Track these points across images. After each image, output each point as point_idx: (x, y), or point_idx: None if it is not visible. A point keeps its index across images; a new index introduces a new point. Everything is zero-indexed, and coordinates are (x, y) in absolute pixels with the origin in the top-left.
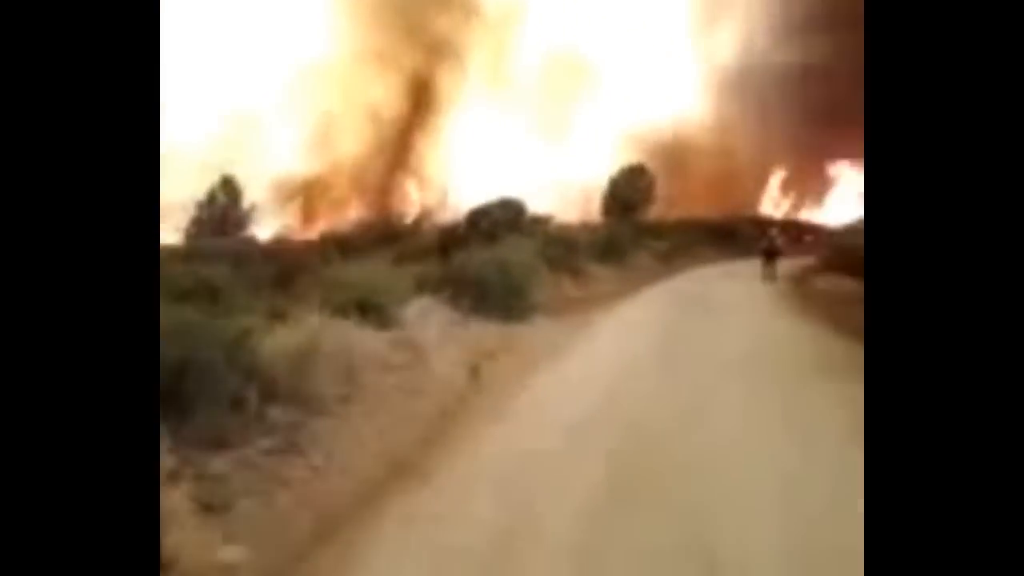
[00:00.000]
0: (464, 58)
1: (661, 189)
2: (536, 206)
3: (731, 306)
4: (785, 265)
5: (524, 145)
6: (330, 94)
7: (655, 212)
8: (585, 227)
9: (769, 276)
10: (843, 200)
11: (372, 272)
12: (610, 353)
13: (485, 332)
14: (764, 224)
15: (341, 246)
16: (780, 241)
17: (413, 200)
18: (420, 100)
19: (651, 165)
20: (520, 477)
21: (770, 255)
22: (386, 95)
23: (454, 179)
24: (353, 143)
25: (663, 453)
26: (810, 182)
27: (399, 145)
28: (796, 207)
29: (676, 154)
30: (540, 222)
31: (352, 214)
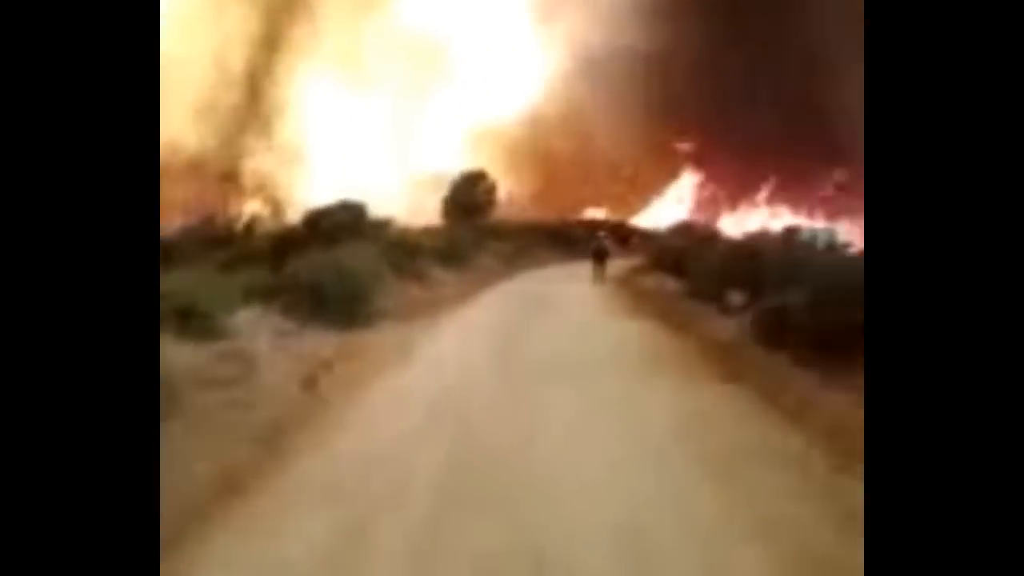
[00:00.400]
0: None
1: (515, 188)
2: (388, 206)
3: (566, 306)
4: (615, 266)
5: (376, 142)
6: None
7: (499, 213)
8: (427, 231)
9: (599, 277)
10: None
11: (195, 280)
12: (450, 357)
13: (322, 341)
14: (594, 227)
15: (163, 252)
16: (608, 243)
17: (245, 201)
18: (257, 89)
19: (502, 161)
20: (354, 487)
21: (599, 257)
22: (222, 80)
23: (296, 178)
24: (180, 135)
25: (498, 457)
26: (654, 181)
27: (233, 138)
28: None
29: (524, 150)
30: (382, 225)
31: (175, 216)
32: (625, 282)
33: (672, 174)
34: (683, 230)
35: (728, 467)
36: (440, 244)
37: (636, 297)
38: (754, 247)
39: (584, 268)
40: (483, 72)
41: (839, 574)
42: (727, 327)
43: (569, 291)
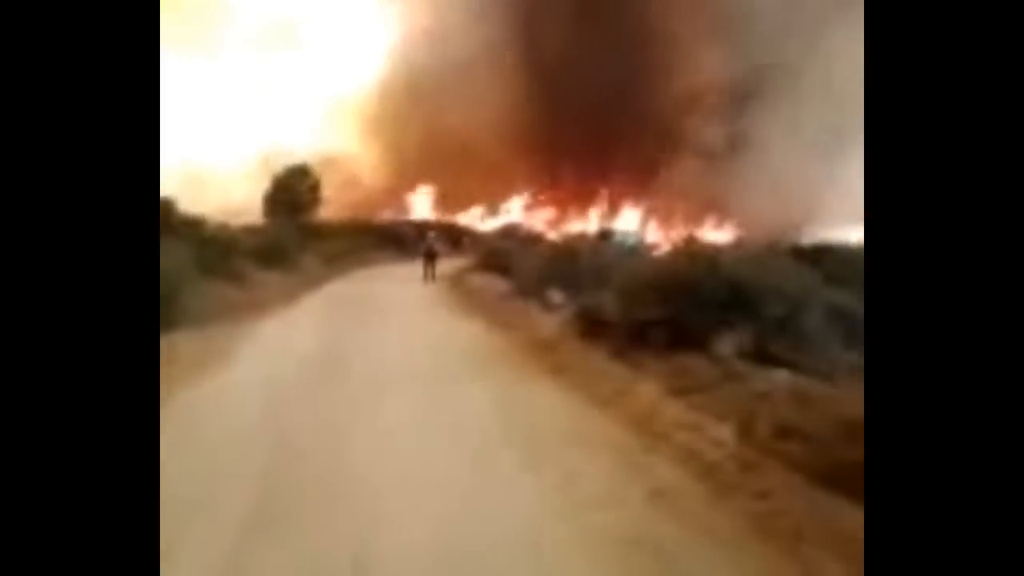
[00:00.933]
0: None
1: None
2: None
3: (394, 306)
4: (445, 266)
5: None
6: None
7: (325, 213)
8: (247, 229)
9: (430, 277)
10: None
11: None
12: (271, 361)
13: None
14: (424, 227)
15: None
16: (437, 244)
17: None
18: None
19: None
20: (168, 494)
21: (430, 257)
22: None
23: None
24: None
25: (318, 460)
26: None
27: None
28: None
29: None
30: (192, 223)
31: None
32: (455, 282)
33: (508, 182)
34: (510, 231)
35: (546, 454)
36: (260, 243)
37: (464, 297)
38: (573, 248)
39: (413, 268)
40: (330, 44)
41: (648, 549)
42: (549, 324)
43: (397, 292)
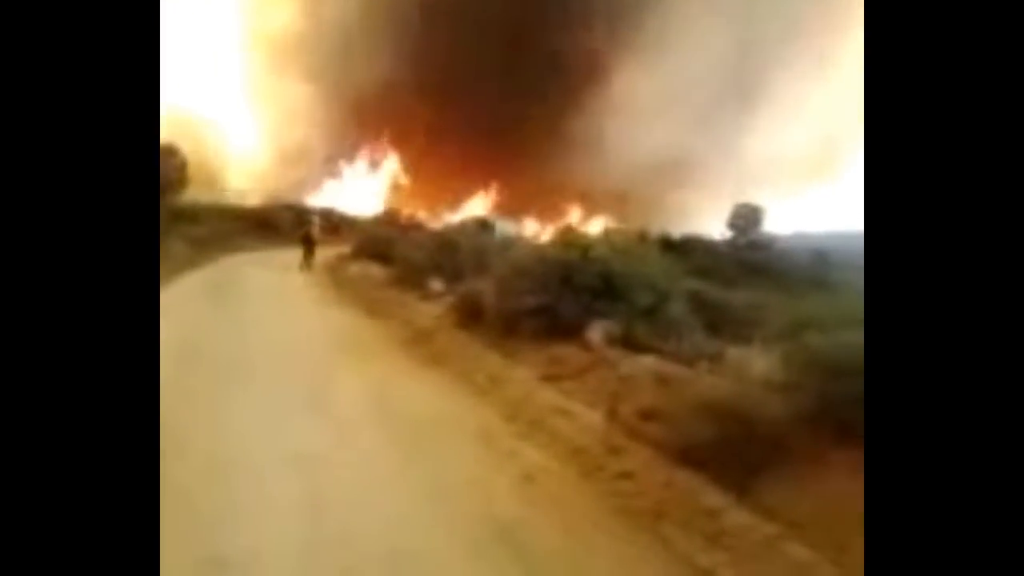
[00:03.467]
0: None
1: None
2: None
3: (266, 295)
4: (322, 253)
5: None
6: None
7: (190, 195)
8: None
9: (307, 265)
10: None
11: None
12: None
13: None
14: (302, 213)
15: None
16: (317, 230)
17: None
18: None
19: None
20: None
21: (308, 243)
22: None
23: None
24: None
25: (181, 455)
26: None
27: None
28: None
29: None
30: None
31: None
32: (332, 269)
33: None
34: (389, 218)
35: (417, 441)
36: None
37: (342, 285)
38: (453, 237)
39: (288, 255)
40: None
41: (516, 533)
42: (428, 313)
43: (271, 279)
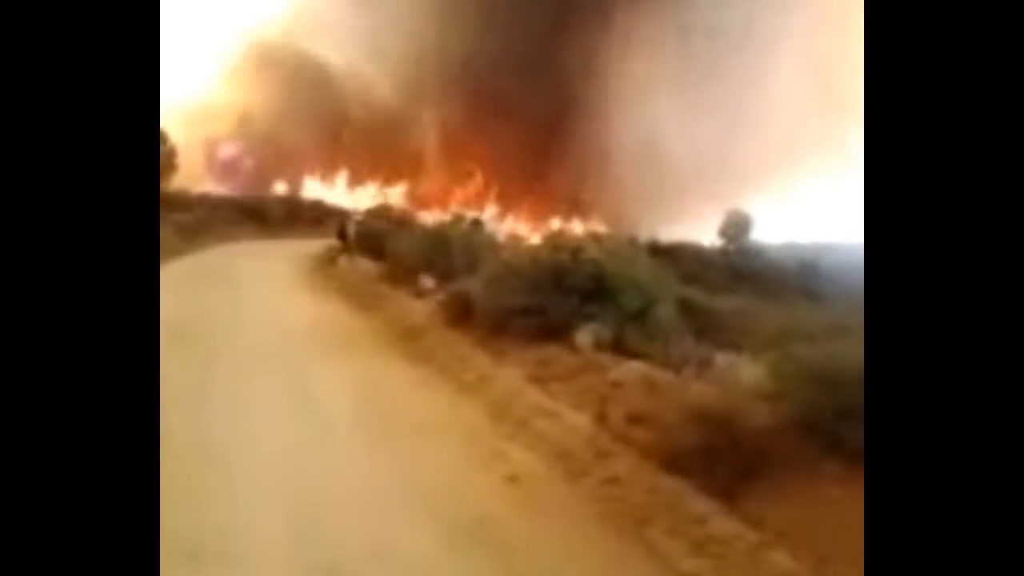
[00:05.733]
0: None
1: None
2: None
3: (256, 287)
4: (313, 246)
5: None
6: None
7: (178, 183)
8: None
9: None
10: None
11: None
12: None
13: None
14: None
15: None
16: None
17: None
18: None
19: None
20: None
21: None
22: None
23: None
24: None
25: (165, 446)
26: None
27: None
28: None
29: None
30: None
31: None
32: (322, 262)
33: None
34: (382, 212)
35: (401, 438)
36: None
37: (332, 278)
38: (445, 234)
39: (277, 246)
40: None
41: (497, 534)
42: (419, 310)
43: (260, 270)
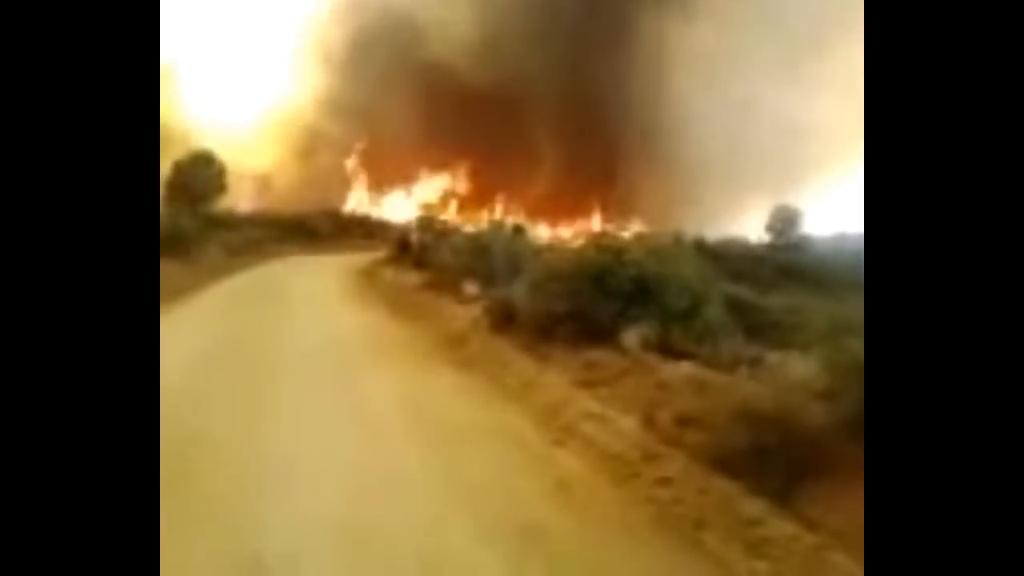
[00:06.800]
0: None
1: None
2: None
3: (304, 300)
4: (358, 258)
5: None
6: None
7: (227, 203)
8: None
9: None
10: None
11: None
12: (172, 354)
13: None
14: (343, 220)
15: None
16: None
17: None
18: None
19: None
20: None
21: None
22: None
23: None
24: None
25: (220, 451)
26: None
27: None
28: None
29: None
30: None
31: None
32: (368, 274)
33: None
34: (424, 223)
35: (449, 445)
36: (162, 231)
37: (377, 289)
38: (486, 241)
39: (325, 261)
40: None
41: (548, 541)
42: (462, 317)
43: (308, 284)
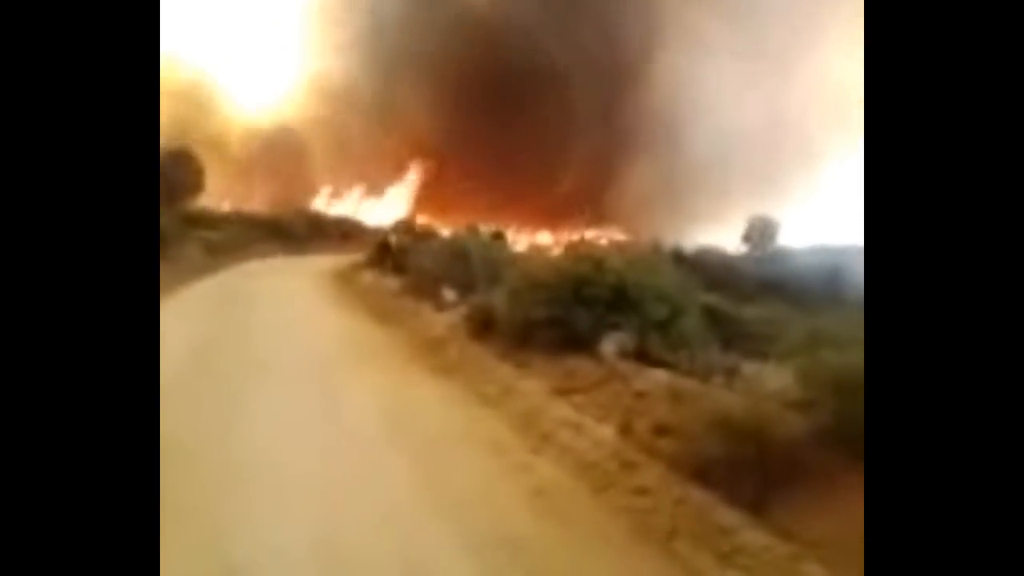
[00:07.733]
0: None
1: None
2: None
3: (281, 302)
4: (339, 261)
5: None
6: None
7: (206, 202)
8: None
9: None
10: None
11: None
12: None
13: None
14: (317, 220)
15: None
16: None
17: None
18: None
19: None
20: None
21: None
22: None
23: None
24: None
25: (195, 457)
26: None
27: None
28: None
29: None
30: None
31: None
32: (345, 278)
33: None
34: (404, 227)
35: (427, 452)
36: None
37: (354, 293)
38: (465, 246)
39: (302, 262)
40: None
41: (526, 549)
42: (441, 323)
43: (285, 286)
